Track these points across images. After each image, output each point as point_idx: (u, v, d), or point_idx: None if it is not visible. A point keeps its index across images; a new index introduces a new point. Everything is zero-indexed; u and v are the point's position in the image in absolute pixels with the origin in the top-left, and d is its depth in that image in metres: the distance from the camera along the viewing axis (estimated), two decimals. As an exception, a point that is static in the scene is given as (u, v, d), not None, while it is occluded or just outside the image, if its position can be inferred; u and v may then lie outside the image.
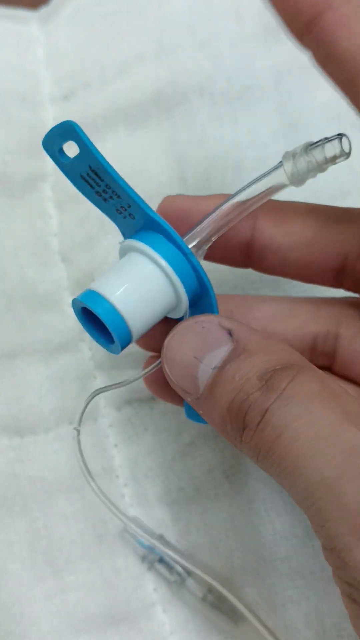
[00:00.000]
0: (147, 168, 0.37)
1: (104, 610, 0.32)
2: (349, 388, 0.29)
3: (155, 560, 0.32)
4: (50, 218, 0.38)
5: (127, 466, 0.34)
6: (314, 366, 0.23)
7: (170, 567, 0.32)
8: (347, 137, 0.24)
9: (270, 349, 0.23)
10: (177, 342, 0.24)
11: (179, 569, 0.32)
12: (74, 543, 0.33)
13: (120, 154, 0.37)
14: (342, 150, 0.24)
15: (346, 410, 0.21)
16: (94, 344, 0.36)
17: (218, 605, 0.31)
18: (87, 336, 0.36)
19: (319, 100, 0.37)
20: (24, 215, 0.38)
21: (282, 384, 0.22)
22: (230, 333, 0.23)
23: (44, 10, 0.40)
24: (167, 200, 0.28)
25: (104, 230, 0.36)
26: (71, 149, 0.24)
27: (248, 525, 0.33)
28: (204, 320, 0.24)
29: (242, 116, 0.37)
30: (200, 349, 0.23)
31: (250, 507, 0.33)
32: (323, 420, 0.20)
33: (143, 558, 0.32)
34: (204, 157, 0.37)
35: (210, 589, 0.31)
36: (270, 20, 0.37)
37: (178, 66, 0.38)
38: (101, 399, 0.35)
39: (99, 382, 0.35)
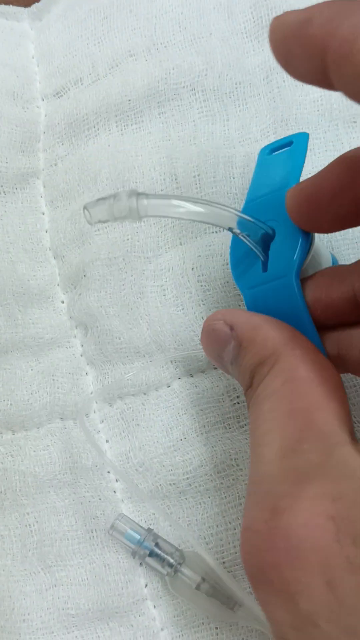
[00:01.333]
0: (139, 164, 0.37)
1: (95, 605, 0.32)
2: None
3: (145, 554, 0.32)
4: (42, 214, 0.38)
5: (118, 461, 0.34)
6: (298, 347, 0.26)
7: (162, 559, 0.32)
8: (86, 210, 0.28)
9: (258, 341, 0.26)
10: (204, 344, 0.29)
11: (171, 560, 0.32)
12: (65, 538, 0.33)
13: (113, 149, 0.37)
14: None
15: (291, 409, 0.24)
16: (86, 339, 0.36)
17: (213, 594, 0.31)
18: (78, 332, 0.36)
19: (311, 96, 0.37)
20: (15, 211, 0.38)
21: (257, 383, 0.26)
22: (232, 328, 0.27)
23: (36, 6, 0.40)
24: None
25: (96, 226, 0.36)
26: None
27: (239, 520, 0.33)
28: (213, 320, 0.28)
29: (233, 112, 0.37)
30: (217, 348, 0.28)
31: (241, 502, 0.33)
32: (259, 430, 0.24)
33: (134, 554, 0.32)
34: (195, 154, 0.37)
35: (204, 578, 0.31)
36: (261, 16, 0.37)
37: (169, 62, 0.37)
38: (92, 394, 0.35)
39: (91, 377, 0.35)
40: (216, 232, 0.36)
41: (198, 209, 0.28)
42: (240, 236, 0.29)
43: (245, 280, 0.30)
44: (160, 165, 0.37)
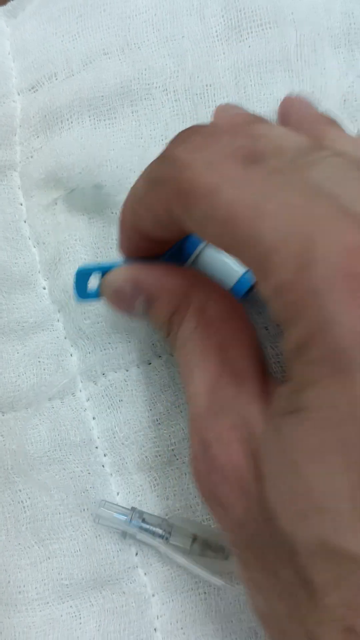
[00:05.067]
0: (111, 158, 0.39)
1: (88, 575, 0.33)
2: None
3: (135, 532, 0.34)
4: (20, 205, 0.39)
5: (105, 437, 0.36)
6: (204, 289, 0.28)
7: (151, 533, 0.33)
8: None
9: (167, 291, 0.28)
10: (110, 304, 0.31)
11: (160, 531, 0.33)
12: (57, 512, 0.34)
13: (85, 142, 0.39)
14: None
15: (207, 347, 0.27)
16: (68, 323, 0.37)
17: (205, 552, 0.33)
18: (61, 316, 0.37)
19: (274, 95, 0.39)
20: None
21: (175, 330, 0.28)
22: (136, 284, 0.29)
23: (11, 4, 0.42)
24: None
25: (71, 214, 0.38)
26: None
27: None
28: (113, 281, 0.30)
29: (203, 112, 0.39)
30: (125, 306, 0.30)
31: (224, 473, 0.35)
32: (185, 371, 0.28)
33: (124, 534, 0.34)
34: None
35: (194, 540, 0.33)
36: (231, 18, 0.40)
37: (142, 63, 0.39)
38: (78, 374, 0.36)
39: (75, 358, 0.37)
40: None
41: None
42: None
43: None
44: (132, 161, 0.38)
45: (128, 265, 0.30)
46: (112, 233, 0.38)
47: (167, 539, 0.33)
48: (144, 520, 0.34)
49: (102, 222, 0.38)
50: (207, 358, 0.26)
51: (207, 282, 0.29)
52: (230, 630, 0.33)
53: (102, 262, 0.34)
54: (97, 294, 0.32)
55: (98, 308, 0.36)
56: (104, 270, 0.31)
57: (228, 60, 0.39)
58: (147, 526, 0.34)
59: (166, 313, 0.28)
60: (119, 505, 0.34)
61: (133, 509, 0.34)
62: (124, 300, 0.30)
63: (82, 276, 0.32)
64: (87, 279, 0.32)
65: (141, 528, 0.34)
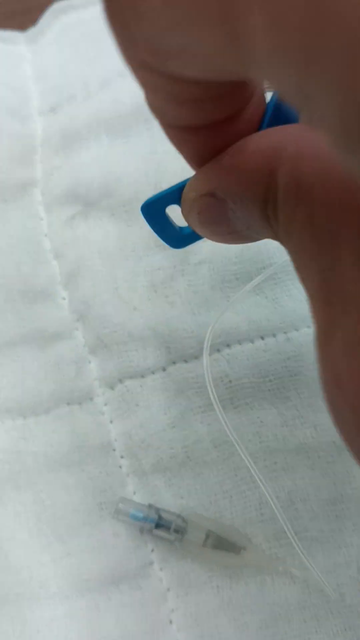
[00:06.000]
0: (127, 173, 0.41)
1: (107, 570, 0.35)
2: None
3: (152, 528, 0.35)
4: (41, 220, 0.42)
5: (122, 440, 0.37)
6: (293, 148, 0.19)
7: (167, 528, 0.35)
8: None
9: (243, 177, 0.20)
10: (209, 235, 0.24)
11: (175, 526, 0.35)
12: (76, 511, 0.36)
13: (103, 160, 0.41)
14: None
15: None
16: (87, 332, 0.39)
17: (218, 546, 0.34)
18: (80, 325, 0.39)
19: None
20: (16, 218, 0.41)
21: (273, 225, 0.20)
22: (212, 194, 0.21)
23: (32, 31, 0.44)
24: None
25: (89, 227, 0.40)
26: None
27: (235, 490, 0.36)
28: (187, 199, 0.23)
29: None
30: (221, 228, 0.23)
31: (237, 474, 0.36)
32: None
33: (141, 530, 0.36)
34: (179, 168, 0.40)
35: (208, 536, 0.34)
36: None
37: None
38: (95, 380, 0.38)
39: (94, 365, 0.39)
40: (204, 240, 0.39)
41: None
42: None
43: None
44: (147, 176, 0.40)
45: (197, 176, 0.22)
46: (128, 246, 0.39)
47: (182, 534, 0.35)
48: (160, 517, 0.35)
49: (119, 235, 0.40)
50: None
51: (296, 136, 0.19)
52: (242, 621, 0.34)
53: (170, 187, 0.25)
54: (192, 232, 0.25)
55: (115, 317, 0.38)
56: (175, 195, 0.24)
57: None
58: (163, 522, 0.35)
59: (258, 208, 0.20)
60: (138, 503, 0.36)
61: (150, 505, 0.36)
62: (215, 220, 0.22)
63: (153, 212, 0.24)
64: (162, 214, 0.25)
65: (157, 524, 0.35)
